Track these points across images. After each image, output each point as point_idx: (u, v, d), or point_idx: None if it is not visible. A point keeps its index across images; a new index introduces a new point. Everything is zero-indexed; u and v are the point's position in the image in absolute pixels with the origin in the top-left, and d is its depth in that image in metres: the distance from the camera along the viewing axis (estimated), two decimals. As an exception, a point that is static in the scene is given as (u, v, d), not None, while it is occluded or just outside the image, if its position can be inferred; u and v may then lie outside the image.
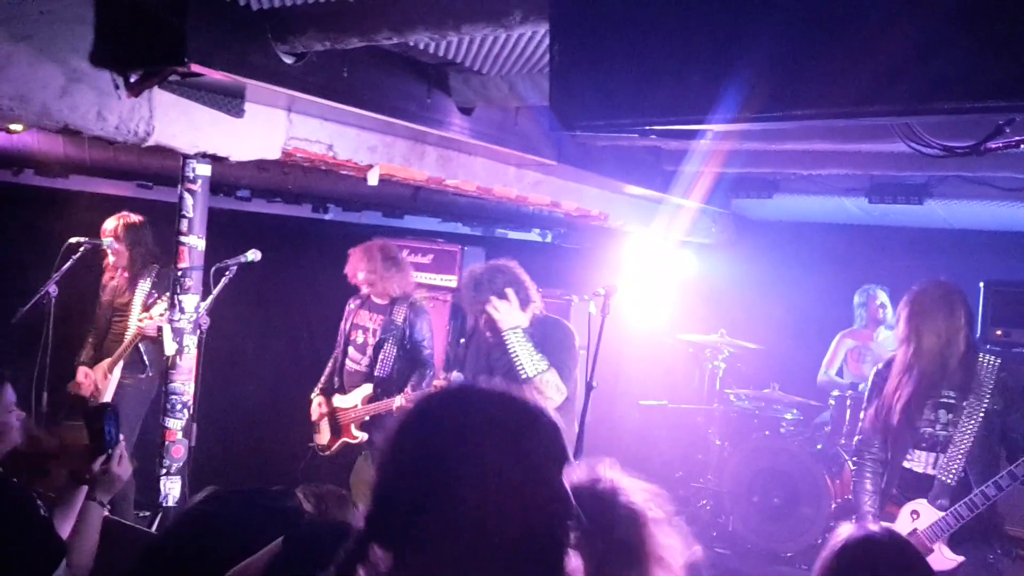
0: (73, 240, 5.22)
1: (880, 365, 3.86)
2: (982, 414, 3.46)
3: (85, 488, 2.85)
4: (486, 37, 3.42)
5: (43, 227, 5.95)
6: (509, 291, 4.10)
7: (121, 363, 5.35)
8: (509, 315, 4.07)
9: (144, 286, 5.45)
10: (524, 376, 3.95)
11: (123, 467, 2.87)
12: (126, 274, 5.54)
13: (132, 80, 3.34)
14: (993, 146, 2.33)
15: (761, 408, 6.65)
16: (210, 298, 4.21)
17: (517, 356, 3.99)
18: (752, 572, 5.91)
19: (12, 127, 4.52)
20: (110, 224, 5.44)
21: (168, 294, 5.22)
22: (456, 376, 4.73)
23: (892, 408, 3.67)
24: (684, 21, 2.08)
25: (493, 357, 4.23)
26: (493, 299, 4.08)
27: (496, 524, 1.19)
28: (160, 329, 5.28)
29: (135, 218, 5.49)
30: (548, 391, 3.96)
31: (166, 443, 3.96)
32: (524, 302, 4.15)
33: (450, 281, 6.64)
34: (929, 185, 5.74)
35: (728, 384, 6.93)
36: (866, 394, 3.89)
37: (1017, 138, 2.31)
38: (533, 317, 4.15)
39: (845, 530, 2.12)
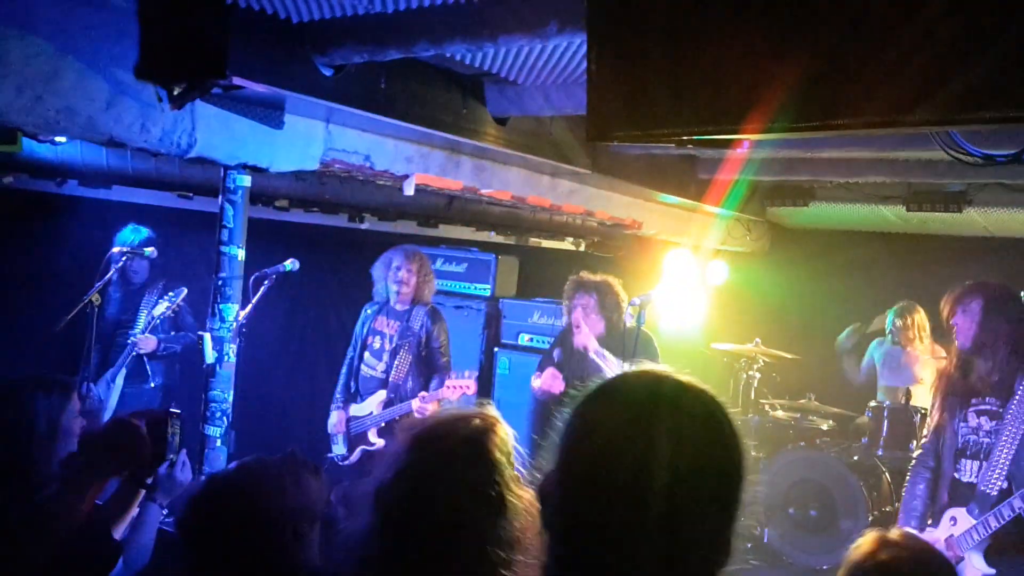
0: (115, 250, 5.31)
1: (943, 366, 3.80)
2: None
3: (142, 491, 2.91)
4: (522, 48, 3.45)
5: (86, 236, 6.07)
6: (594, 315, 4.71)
7: (124, 372, 5.43)
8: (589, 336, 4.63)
9: (150, 299, 5.54)
10: None
11: (185, 473, 2.93)
12: (132, 287, 5.63)
13: (175, 93, 3.39)
14: (1036, 154, 2.31)
15: (797, 419, 6.58)
16: (249, 306, 4.27)
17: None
18: (789, 584, 5.85)
19: (57, 138, 4.62)
20: (135, 236, 5.51)
21: (167, 301, 5.32)
22: (472, 373, 4.84)
23: (940, 415, 3.65)
24: (722, 31, 2.08)
25: (577, 359, 4.72)
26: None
27: None
28: (157, 344, 5.40)
29: (147, 230, 5.58)
30: None
31: (205, 450, 4.01)
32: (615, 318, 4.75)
33: (484, 289, 6.66)
34: (968, 193, 5.68)
35: (763, 394, 6.87)
36: (936, 397, 3.80)
37: (1060, 146, 2.28)
38: (623, 329, 4.65)
39: (865, 542, 2.08)
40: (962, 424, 3.58)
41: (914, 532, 2.12)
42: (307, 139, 4.00)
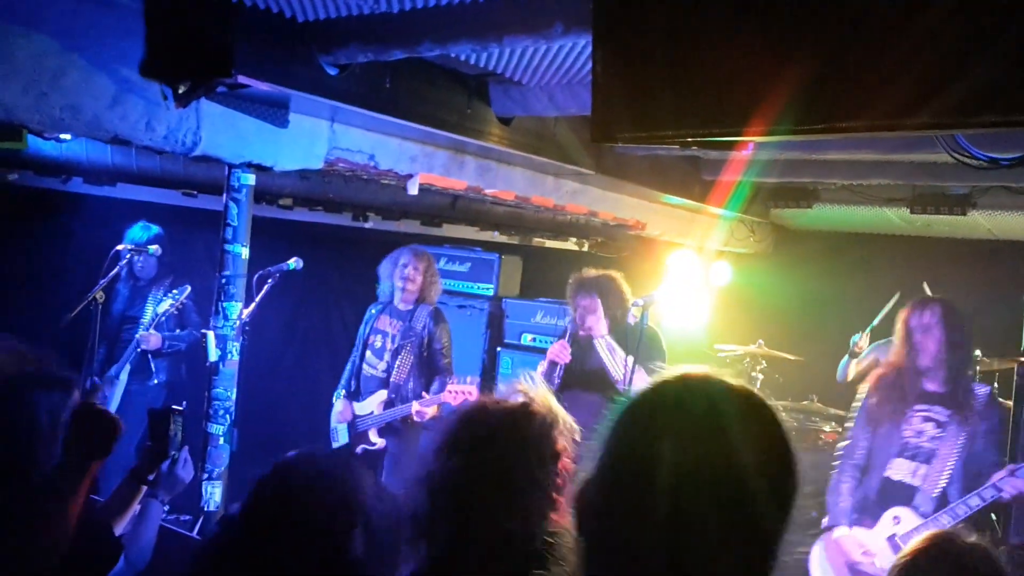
0: (119, 248, 5.33)
1: (877, 371, 4.03)
2: (967, 433, 3.67)
3: (144, 488, 2.91)
4: (527, 48, 3.45)
5: (90, 234, 6.07)
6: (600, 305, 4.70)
7: (128, 368, 5.45)
8: (598, 324, 4.66)
9: (157, 295, 5.55)
10: (614, 379, 4.55)
11: (187, 470, 2.93)
12: (140, 283, 5.65)
13: (180, 91, 3.40)
14: (1040, 158, 2.31)
15: (800, 420, 6.57)
16: (252, 304, 4.28)
17: (605, 362, 4.59)
18: (790, 586, 5.84)
19: (62, 136, 4.63)
20: (144, 234, 5.53)
21: (171, 298, 5.32)
22: (474, 379, 4.84)
23: (882, 417, 3.86)
24: (726, 33, 2.08)
25: (585, 358, 4.71)
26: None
27: None
28: (161, 342, 5.38)
29: (156, 228, 5.60)
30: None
31: (208, 448, 4.02)
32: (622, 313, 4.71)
33: (487, 289, 6.66)
34: (972, 196, 5.66)
35: (766, 395, 6.85)
36: (859, 403, 4.05)
37: (1065, 150, 2.28)
38: (627, 325, 4.63)
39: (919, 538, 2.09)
40: (905, 427, 3.79)
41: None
42: (311, 138, 4.01)
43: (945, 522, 3.56)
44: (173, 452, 2.92)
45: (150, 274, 5.64)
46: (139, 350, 5.46)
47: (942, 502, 3.68)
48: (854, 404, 4.10)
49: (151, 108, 3.38)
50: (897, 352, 3.87)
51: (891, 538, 3.72)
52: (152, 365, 5.55)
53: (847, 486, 3.93)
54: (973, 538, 2.11)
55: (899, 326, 3.88)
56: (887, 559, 3.64)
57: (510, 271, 6.83)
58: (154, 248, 5.41)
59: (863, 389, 4.04)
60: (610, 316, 4.67)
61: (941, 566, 1.99)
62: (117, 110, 3.29)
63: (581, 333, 4.72)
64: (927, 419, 3.77)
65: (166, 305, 5.41)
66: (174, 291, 5.48)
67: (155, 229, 5.55)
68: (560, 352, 4.70)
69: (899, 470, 3.79)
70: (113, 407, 5.40)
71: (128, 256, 5.32)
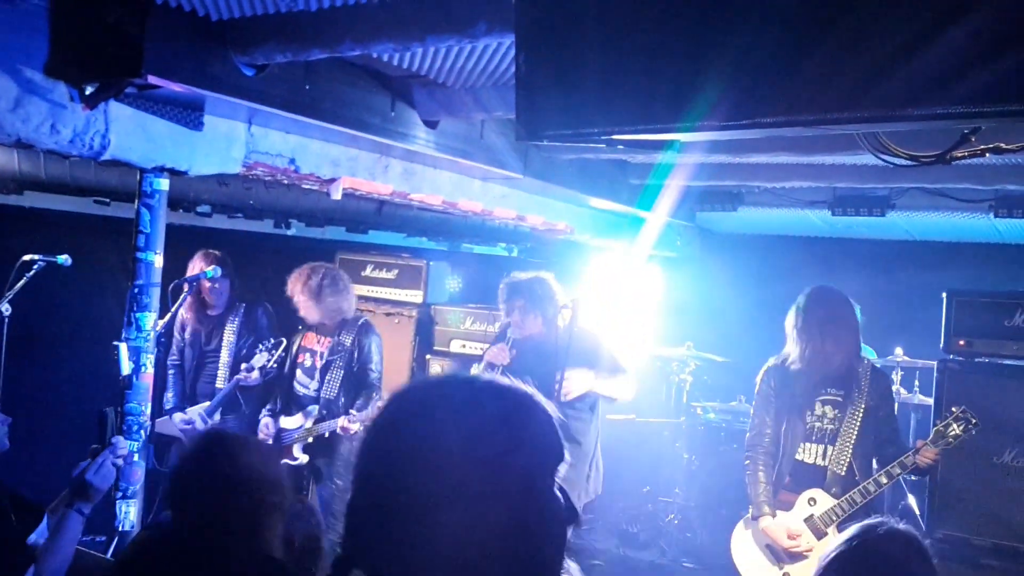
0: (27, 257, 5.07)
1: (771, 363, 4.21)
2: (863, 411, 3.92)
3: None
4: (451, 49, 3.39)
5: (-5, 244, 5.79)
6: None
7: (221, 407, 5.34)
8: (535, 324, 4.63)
9: (232, 327, 5.35)
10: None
11: (101, 476, 2.80)
12: (213, 312, 5.46)
13: (88, 92, 3.26)
14: (959, 155, 2.34)
15: (728, 421, 6.65)
16: (168, 316, 4.12)
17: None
18: (722, 586, 5.88)
19: (-38, 141, 4.40)
20: (207, 261, 5.30)
21: (264, 343, 5.17)
22: None
23: (784, 405, 4.05)
24: (653, 29, 2.06)
25: (528, 362, 4.57)
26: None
27: (481, 542, 1.10)
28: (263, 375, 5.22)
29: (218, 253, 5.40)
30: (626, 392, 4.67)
31: (123, 465, 3.84)
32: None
33: (415, 296, 6.57)
34: (891, 197, 5.80)
35: (695, 397, 6.93)
36: (756, 392, 4.23)
37: (982, 147, 2.32)
38: (566, 331, 4.45)
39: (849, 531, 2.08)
40: (808, 412, 4.01)
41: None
42: (228, 141, 3.88)
43: (858, 499, 3.80)
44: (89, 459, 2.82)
45: (223, 302, 5.43)
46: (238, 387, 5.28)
47: (850, 478, 3.89)
48: (755, 393, 4.27)
49: (56, 110, 3.23)
50: (795, 341, 4.04)
51: (809, 519, 3.92)
52: (240, 398, 5.36)
53: (763, 474, 4.07)
54: (901, 524, 2.11)
55: (797, 318, 4.05)
56: (808, 540, 3.90)
57: (439, 277, 6.75)
58: (63, 257, 5.16)
59: (762, 378, 4.23)
60: (542, 315, 4.66)
61: (867, 561, 1.98)
62: (19, 112, 3.14)
63: (518, 336, 4.69)
64: (827, 402, 3.99)
65: (263, 360, 5.19)
66: (264, 343, 5.25)
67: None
68: (498, 355, 4.67)
69: (808, 453, 4.01)
70: None
71: (37, 267, 5.06)
